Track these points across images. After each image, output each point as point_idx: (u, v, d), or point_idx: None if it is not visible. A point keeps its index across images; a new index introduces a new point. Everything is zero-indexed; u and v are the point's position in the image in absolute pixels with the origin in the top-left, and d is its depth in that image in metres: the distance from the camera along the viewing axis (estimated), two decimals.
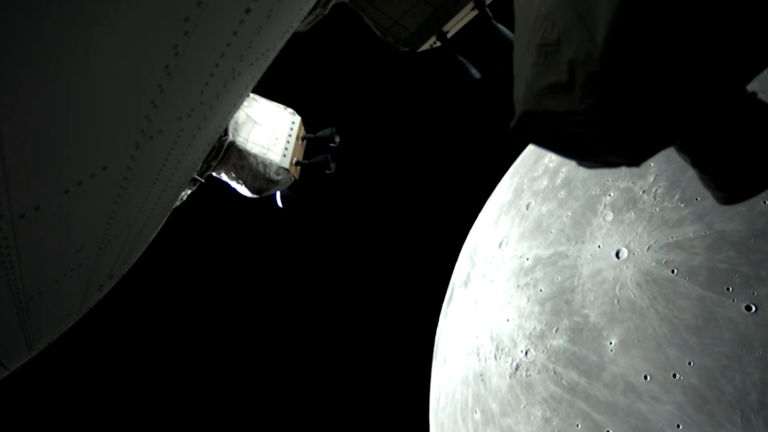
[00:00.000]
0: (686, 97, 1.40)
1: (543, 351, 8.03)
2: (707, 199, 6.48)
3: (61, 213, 1.80)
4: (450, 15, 4.38)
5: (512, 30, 2.27)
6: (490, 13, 4.32)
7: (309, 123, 6.19)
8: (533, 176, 11.02)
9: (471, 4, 4.26)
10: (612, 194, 8.09)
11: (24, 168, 1.47)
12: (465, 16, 4.56)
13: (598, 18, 1.43)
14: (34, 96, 1.27)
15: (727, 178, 1.55)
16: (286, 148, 4.12)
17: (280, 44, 2.63)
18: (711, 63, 1.36)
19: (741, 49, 1.34)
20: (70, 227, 1.92)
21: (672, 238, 6.64)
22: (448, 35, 4.63)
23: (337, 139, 5.21)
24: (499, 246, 11.03)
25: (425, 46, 4.83)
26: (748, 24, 1.31)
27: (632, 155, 1.60)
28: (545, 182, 10.34)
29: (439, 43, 4.76)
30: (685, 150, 1.60)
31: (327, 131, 5.41)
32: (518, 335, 8.87)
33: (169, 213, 3.26)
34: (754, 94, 1.47)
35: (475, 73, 4.45)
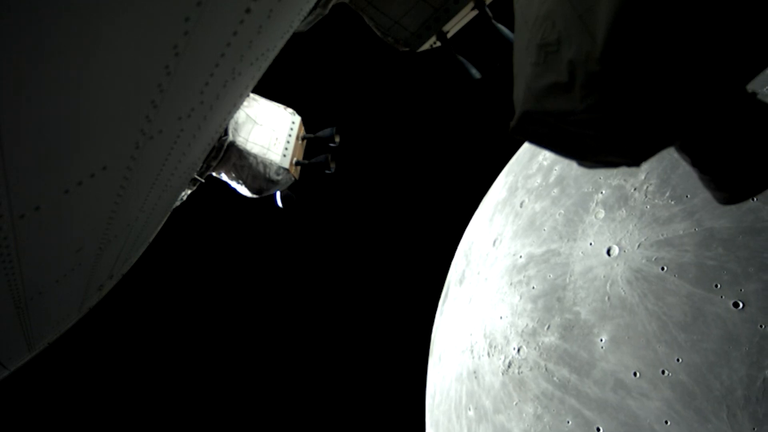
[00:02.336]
0: (686, 97, 1.43)
1: (535, 348, 8.09)
2: (697, 197, 6.57)
3: (61, 213, 1.79)
4: (450, 15, 4.38)
5: (512, 30, 2.28)
6: (490, 13, 4.33)
7: (309, 123, 6.16)
8: (527, 174, 11.09)
9: (471, 4, 4.27)
10: (604, 192, 8.16)
11: (24, 168, 1.46)
12: (465, 16, 4.56)
13: (599, 18, 1.45)
14: (34, 96, 1.27)
15: (727, 178, 1.57)
16: (286, 148, 4.11)
17: (280, 44, 2.62)
18: (711, 63, 1.38)
19: (741, 49, 1.37)
20: (70, 227, 1.91)
21: (662, 235, 6.72)
22: (448, 35, 4.63)
23: (337, 139, 5.19)
24: (493, 244, 11.09)
25: (425, 46, 4.83)
26: (748, 24, 1.34)
27: (632, 155, 1.62)
28: (539, 180, 10.41)
29: (439, 43, 4.76)
30: (685, 150, 1.63)
31: (327, 131, 5.38)
32: (511, 333, 8.93)
33: (169, 213, 3.25)
34: (754, 94, 1.50)
35: (475, 73, 4.46)
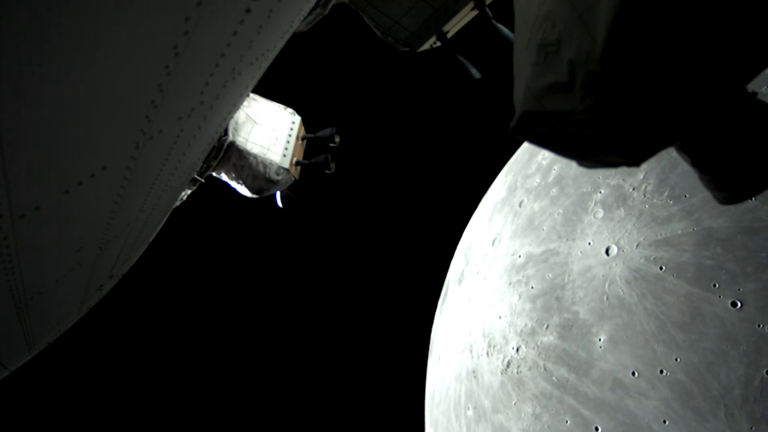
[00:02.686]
0: (686, 96, 1.43)
1: (534, 348, 8.10)
2: (696, 196, 6.58)
3: (61, 213, 1.79)
4: (450, 15, 4.39)
5: (512, 30, 2.28)
6: (490, 13, 4.34)
7: (309, 123, 6.16)
8: (526, 174, 11.08)
9: (471, 4, 4.28)
10: (603, 191, 8.17)
11: (24, 168, 1.46)
12: (465, 16, 4.57)
13: (599, 18, 1.45)
14: (34, 96, 1.27)
15: (727, 178, 1.58)
16: (286, 148, 4.10)
17: (280, 44, 2.62)
18: (711, 63, 1.38)
19: (741, 49, 1.37)
20: (70, 227, 1.91)
21: (661, 235, 6.73)
22: (448, 35, 4.64)
23: (337, 139, 5.19)
24: (492, 243, 11.09)
25: (425, 46, 4.84)
26: (748, 24, 1.34)
27: (632, 155, 1.63)
28: (538, 180, 10.41)
29: (439, 43, 4.77)
30: (685, 150, 1.63)
31: (327, 131, 5.38)
32: (510, 332, 8.93)
33: (169, 213, 3.25)
34: (754, 94, 1.50)
35: (475, 73, 4.48)
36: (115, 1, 1.21)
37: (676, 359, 5.84)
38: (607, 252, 7.37)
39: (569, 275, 7.93)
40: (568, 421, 7.01)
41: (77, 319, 2.88)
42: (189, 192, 3.49)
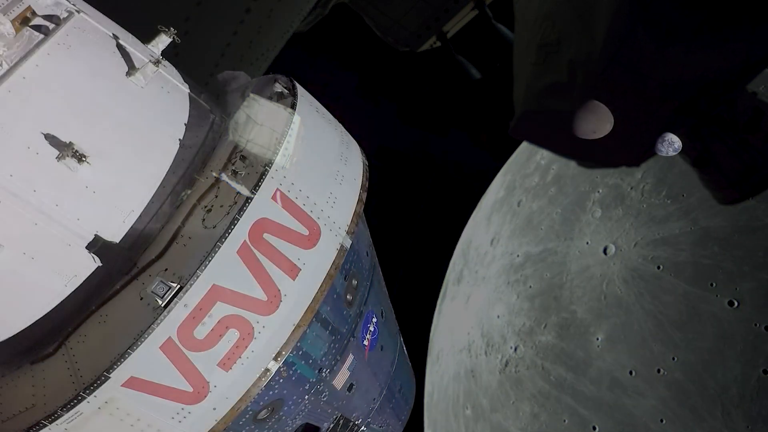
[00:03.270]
0: (685, 97, 1.44)
1: (532, 347, 8.11)
2: (693, 195, 6.58)
3: None
4: (450, 15, 4.41)
5: (512, 30, 2.29)
6: (490, 13, 4.35)
7: None
8: (525, 173, 11.03)
9: (471, 4, 4.30)
10: (601, 191, 8.15)
11: None
12: (465, 16, 4.58)
13: (599, 18, 1.46)
14: None
15: (728, 179, 1.59)
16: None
17: (280, 44, 2.63)
18: (711, 63, 1.40)
19: (740, 50, 1.38)
20: None
21: (658, 234, 6.72)
22: (448, 35, 4.65)
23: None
24: (491, 243, 11.06)
25: (425, 46, 4.85)
26: (748, 26, 1.35)
27: (632, 154, 1.64)
28: (536, 179, 10.37)
29: (439, 43, 4.79)
30: (686, 150, 1.64)
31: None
32: (508, 331, 8.93)
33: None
34: (754, 94, 1.51)
35: (475, 73, 4.50)
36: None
37: (674, 358, 5.86)
38: (605, 251, 7.37)
39: (567, 274, 7.94)
40: (566, 420, 7.03)
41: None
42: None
